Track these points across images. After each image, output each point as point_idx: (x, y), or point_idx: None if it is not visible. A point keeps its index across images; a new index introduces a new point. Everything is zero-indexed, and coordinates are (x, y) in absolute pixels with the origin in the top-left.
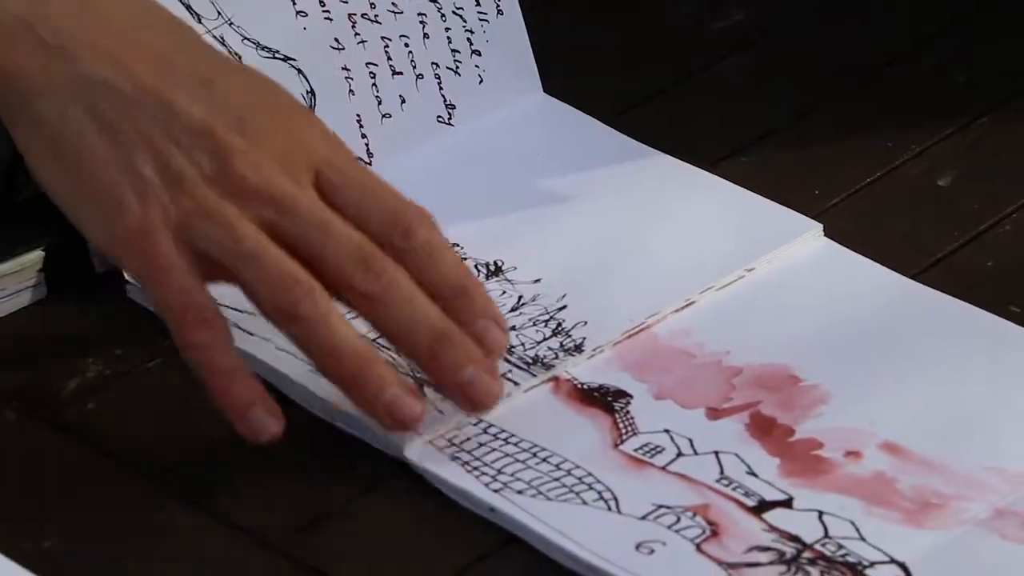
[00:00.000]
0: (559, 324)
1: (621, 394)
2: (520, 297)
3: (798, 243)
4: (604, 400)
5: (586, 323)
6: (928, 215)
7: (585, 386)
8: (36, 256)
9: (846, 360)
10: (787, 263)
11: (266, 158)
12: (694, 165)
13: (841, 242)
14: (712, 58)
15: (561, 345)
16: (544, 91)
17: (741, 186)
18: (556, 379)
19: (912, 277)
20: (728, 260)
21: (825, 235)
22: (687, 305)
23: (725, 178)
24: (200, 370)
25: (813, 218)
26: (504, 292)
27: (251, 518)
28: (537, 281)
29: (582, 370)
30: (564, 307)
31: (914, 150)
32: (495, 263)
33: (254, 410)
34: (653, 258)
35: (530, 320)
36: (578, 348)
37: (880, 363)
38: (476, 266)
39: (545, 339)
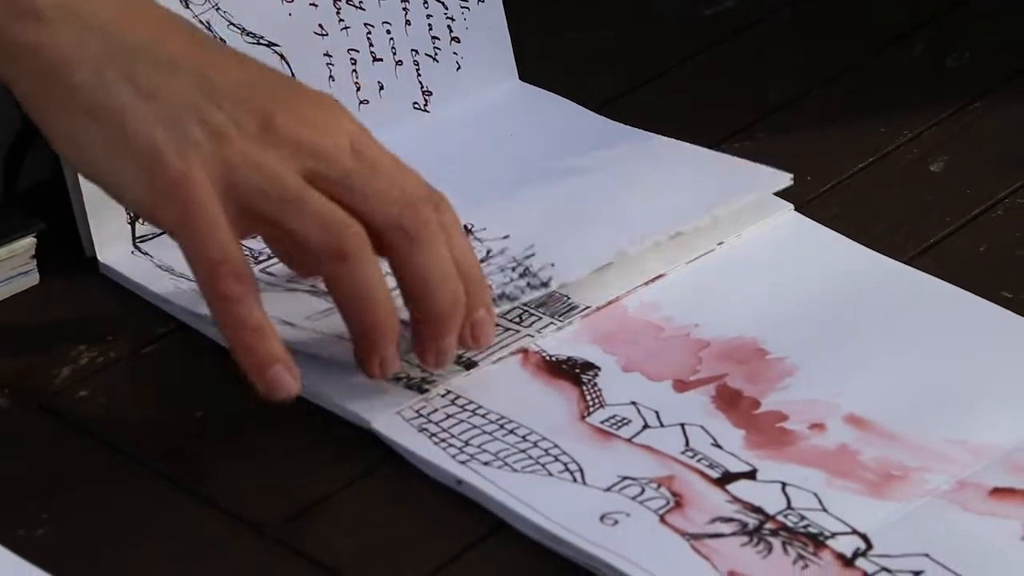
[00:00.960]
0: (526, 268)
1: (589, 366)
2: (489, 250)
3: (770, 219)
4: (572, 372)
5: (553, 265)
6: (921, 200)
7: (553, 358)
8: (28, 243)
9: (814, 334)
10: (757, 237)
11: (307, 122)
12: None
13: (834, 228)
14: (703, 45)
15: (528, 284)
16: (531, 80)
17: None
18: (525, 351)
19: (904, 262)
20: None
21: (818, 221)
22: (657, 278)
23: None
24: (227, 324)
25: (807, 203)
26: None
27: (243, 505)
28: (506, 237)
29: (551, 342)
30: (532, 255)
31: (906, 135)
32: (465, 226)
33: (276, 367)
34: (625, 219)
35: (498, 267)
36: (544, 284)
37: (847, 337)
38: None
39: (512, 280)
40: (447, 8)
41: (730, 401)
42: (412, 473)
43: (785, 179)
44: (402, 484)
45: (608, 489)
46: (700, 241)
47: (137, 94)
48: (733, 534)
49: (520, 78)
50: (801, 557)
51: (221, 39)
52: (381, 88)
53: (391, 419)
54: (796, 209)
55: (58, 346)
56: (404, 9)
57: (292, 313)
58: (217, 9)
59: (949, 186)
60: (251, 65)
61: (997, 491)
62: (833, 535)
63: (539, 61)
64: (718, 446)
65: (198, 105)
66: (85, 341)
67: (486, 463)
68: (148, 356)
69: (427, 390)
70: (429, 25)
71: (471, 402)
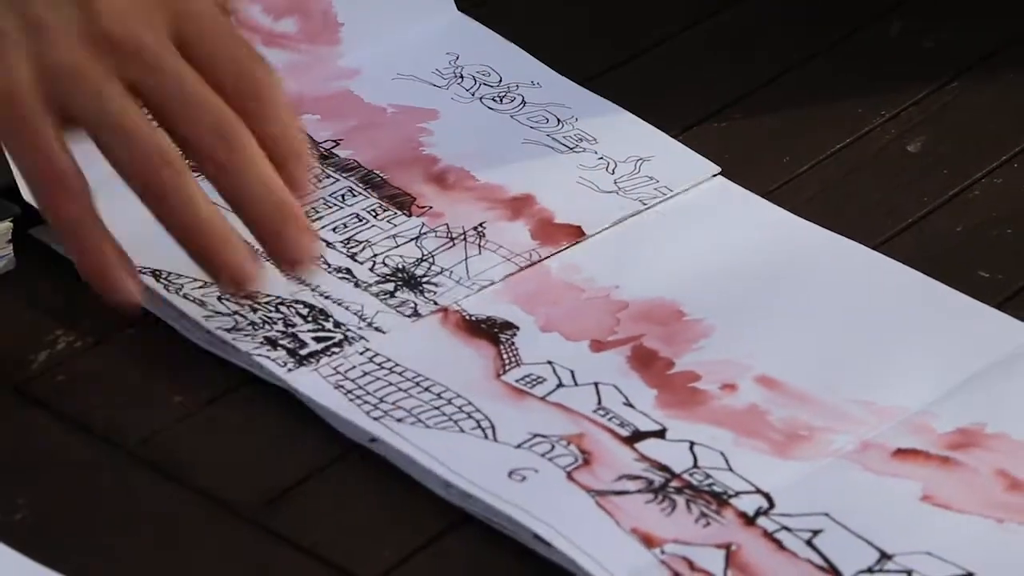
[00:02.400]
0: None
1: (508, 326)
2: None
3: (697, 184)
4: (490, 331)
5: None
6: (898, 181)
7: (473, 317)
8: (3, 227)
9: (732, 296)
10: (683, 201)
11: (133, 12)
12: (661, 131)
13: (811, 209)
14: (680, 25)
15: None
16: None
17: (710, 154)
18: (445, 310)
19: (882, 243)
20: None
21: (795, 202)
22: (579, 241)
23: (692, 145)
24: (68, 243)
25: (784, 184)
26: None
27: (221, 488)
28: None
29: (471, 302)
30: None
31: (883, 116)
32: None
33: (119, 276)
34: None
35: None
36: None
37: (765, 299)
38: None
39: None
40: None
41: (644, 361)
42: (386, 460)
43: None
44: (380, 466)
45: (518, 446)
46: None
47: None
48: (638, 491)
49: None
50: (704, 515)
51: None
52: None
53: (308, 376)
54: (774, 190)
55: (34, 331)
56: None
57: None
58: None
59: (926, 166)
60: None
61: (900, 452)
62: (737, 494)
63: (525, 39)
64: (630, 405)
65: None
66: (62, 326)
67: (399, 420)
68: (125, 340)
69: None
70: None
71: (389, 360)
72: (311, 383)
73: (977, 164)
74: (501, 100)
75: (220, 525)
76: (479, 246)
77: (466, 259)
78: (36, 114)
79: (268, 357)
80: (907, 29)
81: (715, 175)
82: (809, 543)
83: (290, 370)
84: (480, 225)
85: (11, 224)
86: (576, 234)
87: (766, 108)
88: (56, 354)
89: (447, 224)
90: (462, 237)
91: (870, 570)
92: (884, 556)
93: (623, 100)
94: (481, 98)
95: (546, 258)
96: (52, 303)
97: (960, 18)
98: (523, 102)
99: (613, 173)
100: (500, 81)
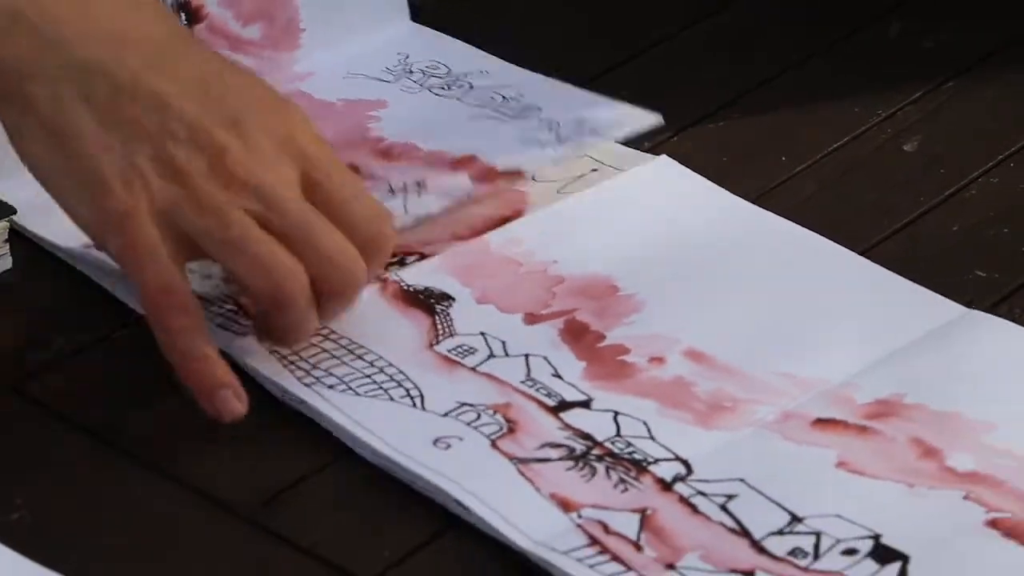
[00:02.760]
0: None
1: (444, 297)
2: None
3: (639, 162)
4: (427, 302)
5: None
6: (894, 181)
7: (411, 288)
8: (0, 227)
9: (666, 273)
10: (624, 180)
11: (258, 158)
12: (661, 135)
13: (808, 209)
14: (679, 25)
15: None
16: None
17: (708, 153)
18: (384, 280)
19: (878, 243)
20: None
21: (791, 202)
22: (517, 215)
23: (690, 146)
24: (174, 354)
25: (781, 183)
26: None
27: (218, 488)
28: None
29: (410, 273)
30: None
31: (880, 115)
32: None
33: (223, 392)
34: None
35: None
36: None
37: (696, 276)
38: None
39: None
40: None
41: (576, 334)
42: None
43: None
44: (372, 470)
45: (445, 415)
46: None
47: (92, 118)
48: (560, 459)
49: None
50: (622, 481)
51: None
52: None
53: (245, 343)
54: (770, 190)
55: (32, 331)
56: None
57: None
58: None
59: (922, 166)
60: (213, 86)
61: (819, 422)
62: (656, 461)
63: (521, 43)
64: (558, 376)
65: (151, 136)
66: (59, 326)
67: (331, 386)
68: (120, 341)
69: None
70: None
71: (324, 327)
72: (246, 346)
73: (973, 164)
74: (449, 88)
75: (218, 525)
76: (419, 193)
77: (405, 203)
78: (152, 233)
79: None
80: (906, 30)
81: (657, 127)
82: (723, 507)
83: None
84: (421, 180)
85: (8, 224)
86: (517, 177)
87: (764, 108)
88: (54, 354)
89: (389, 183)
90: (403, 188)
91: (780, 532)
92: (795, 519)
93: (621, 100)
94: (430, 88)
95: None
96: (50, 303)
97: (959, 19)
98: (471, 87)
99: (555, 129)
100: (448, 72)
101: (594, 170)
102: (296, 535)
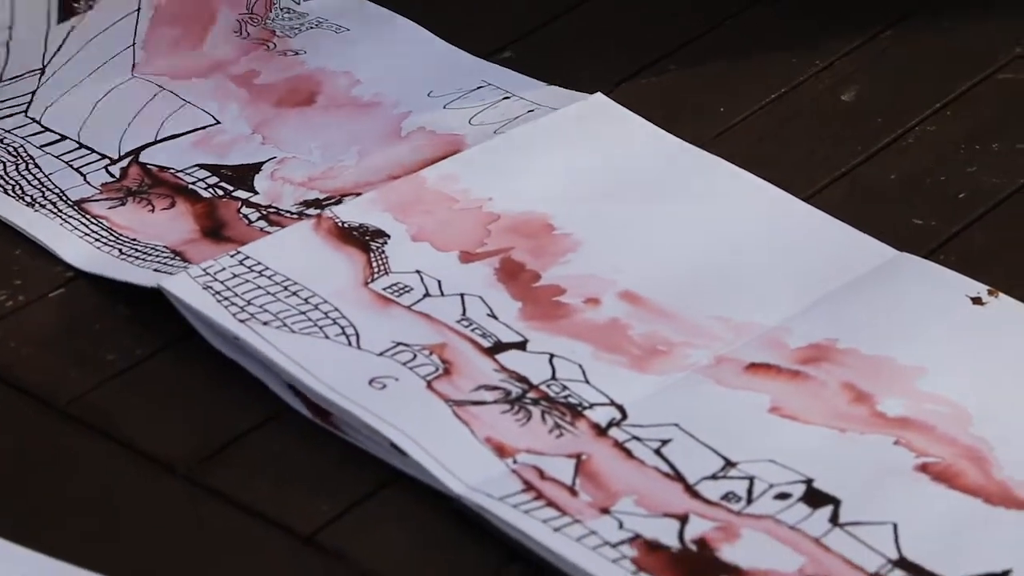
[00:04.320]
0: None
1: (379, 234)
2: None
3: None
4: (362, 239)
5: None
6: (832, 130)
7: (346, 224)
8: None
9: (603, 212)
10: (561, 117)
11: None
12: (598, 90)
13: (747, 158)
14: None
15: None
16: (426, 23)
17: (646, 105)
18: (319, 216)
19: (816, 192)
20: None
21: (733, 151)
22: (455, 151)
23: (628, 98)
24: None
25: (718, 135)
26: None
27: (156, 446)
28: None
29: (345, 208)
30: None
31: (818, 65)
32: None
33: None
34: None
35: None
36: None
37: (634, 216)
38: None
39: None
40: None
41: (511, 273)
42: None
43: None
44: (312, 427)
45: (381, 354)
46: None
47: None
48: (495, 402)
49: None
50: (558, 426)
51: None
52: None
53: (178, 279)
54: (709, 141)
55: None
56: None
57: None
58: None
59: (860, 116)
60: None
61: (752, 367)
62: (591, 406)
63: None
64: (494, 316)
65: None
66: None
67: (265, 323)
68: (57, 299)
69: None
70: None
71: (259, 263)
72: (180, 284)
73: (911, 113)
74: None
75: (155, 483)
76: None
77: None
78: None
79: (146, 270)
80: None
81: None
82: (657, 452)
83: (164, 275)
84: None
85: None
86: (457, 143)
87: (701, 59)
88: None
89: None
90: None
91: (714, 476)
92: (728, 463)
93: (550, 59)
94: None
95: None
96: None
97: None
98: None
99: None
100: None
101: (530, 111)
102: (235, 491)
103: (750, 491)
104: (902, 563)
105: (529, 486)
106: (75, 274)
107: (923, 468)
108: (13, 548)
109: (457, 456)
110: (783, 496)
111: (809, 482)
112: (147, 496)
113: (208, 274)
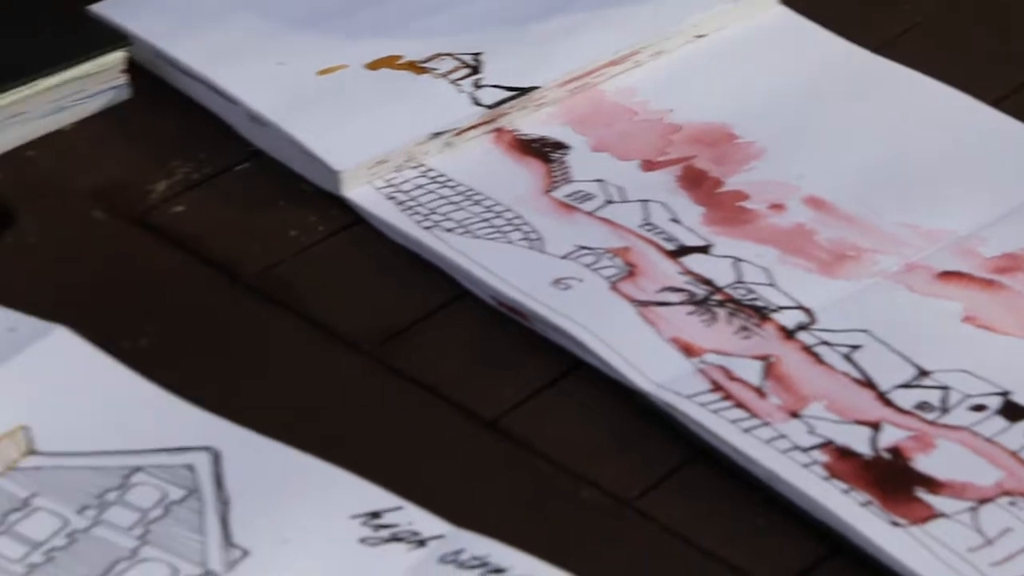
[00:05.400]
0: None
1: (559, 145)
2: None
3: (755, 12)
4: (541, 150)
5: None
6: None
7: (526, 137)
8: (117, 57)
9: (784, 120)
10: (739, 29)
11: None
12: None
13: (932, 60)
14: None
15: None
16: None
17: (827, 6)
18: (499, 129)
19: (1008, 94)
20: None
21: (913, 52)
22: (635, 65)
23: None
24: None
25: (902, 34)
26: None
27: (339, 323)
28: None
29: (526, 122)
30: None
31: None
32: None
33: None
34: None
35: None
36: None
37: (817, 123)
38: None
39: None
40: None
41: (694, 180)
42: None
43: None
44: (496, 309)
45: (564, 257)
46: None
47: None
48: (680, 303)
49: None
50: (744, 328)
51: None
52: None
53: (361, 188)
54: (890, 41)
55: (152, 161)
56: None
57: None
58: None
59: None
60: None
61: (944, 274)
62: (778, 308)
63: None
64: (677, 221)
65: None
66: (178, 157)
67: (449, 229)
68: (241, 174)
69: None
70: None
71: (442, 175)
72: (363, 194)
73: None
74: None
75: (339, 358)
76: None
77: None
78: None
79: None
80: None
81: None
82: (847, 358)
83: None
84: None
85: (126, 55)
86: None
87: None
88: (174, 184)
89: None
90: None
91: (907, 385)
92: (922, 372)
93: None
94: None
95: (601, 80)
96: (168, 135)
97: None
98: None
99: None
100: None
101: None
102: (419, 372)
103: (944, 401)
104: None
105: (717, 386)
106: (257, 150)
107: None
108: (196, 410)
109: (643, 354)
110: (978, 408)
111: (1006, 394)
112: (330, 370)
113: (391, 185)
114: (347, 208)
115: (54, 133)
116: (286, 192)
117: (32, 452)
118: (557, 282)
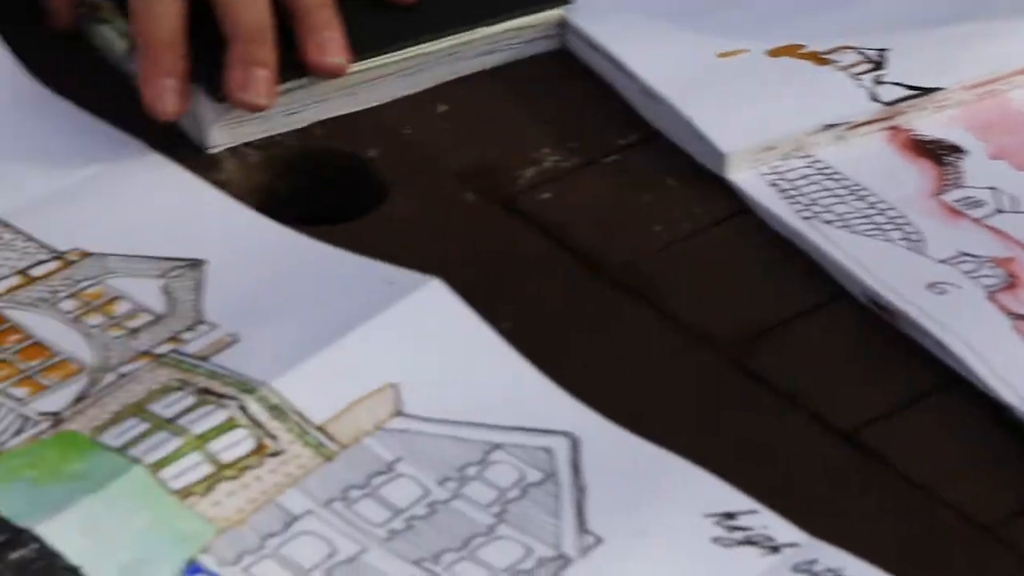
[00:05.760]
0: None
1: (955, 149)
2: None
3: None
4: (936, 153)
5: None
6: None
7: (922, 137)
8: (554, 14)
9: None
10: None
11: None
12: None
13: None
14: None
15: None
16: None
17: None
18: (894, 128)
19: None
20: None
21: None
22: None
23: None
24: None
25: None
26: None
27: (700, 321)
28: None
29: (924, 123)
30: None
31: None
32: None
33: (166, 81)
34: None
35: None
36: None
37: None
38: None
39: None
40: None
41: None
42: (871, 316)
43: None
44: (869, 314)
45: (943, 261)
46: None
47: None
48: None
49: None
50: None
51: None
52: None
53: (747, 174)
54: None
55: (525, 147)
56: None
57: None
58: None
59: None
60: None
61: None
62: None
63: None
64: None
65: None
66: (549, 143)
67: (828, 222)
68: (612, 165)
69: None
70: None
71: (830, 167)
72: (747, 178)
73: None
74: None
75: (697, 357)
76: None
77: None
78: None
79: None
80: None
81: None
82: None
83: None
84: None
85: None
86: None
87: None
88: (543, 171)
89: None
90: None
91: None
92: None
93: None
94: None
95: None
96: (543, 118)
97: None
98: None
99: None
100: None
101: None
102: (777, 377)
103: None
104: None
105: None
106: (630, 141)
107: None
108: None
109: (1015, 368)
110: None
111: None
112: (686, 369)
113: (776, 172)
114: (710, 207)
115: (455, 82)
116: (651, 186)
117: (399, 413)
118: (932, 286)
